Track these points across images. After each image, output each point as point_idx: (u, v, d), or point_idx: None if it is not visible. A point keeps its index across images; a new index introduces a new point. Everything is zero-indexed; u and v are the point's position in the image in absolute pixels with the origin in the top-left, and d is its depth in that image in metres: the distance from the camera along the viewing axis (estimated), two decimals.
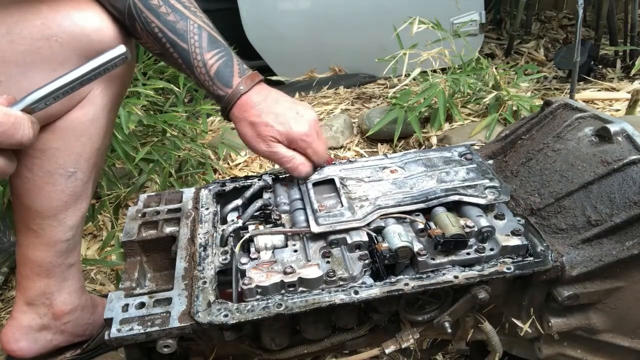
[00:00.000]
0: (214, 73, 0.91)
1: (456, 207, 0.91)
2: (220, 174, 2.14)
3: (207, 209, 0.99)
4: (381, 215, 0.89)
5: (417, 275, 0.82)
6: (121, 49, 0.73)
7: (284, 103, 0.95)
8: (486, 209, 0.90)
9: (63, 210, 1.03)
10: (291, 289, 0.80)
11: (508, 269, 0.82)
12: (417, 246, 0.83)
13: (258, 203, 0.93)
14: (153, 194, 1.06)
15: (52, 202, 1.01)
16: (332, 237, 0.86)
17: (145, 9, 0.90)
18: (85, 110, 0.97)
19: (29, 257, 1.06)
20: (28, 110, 0.70)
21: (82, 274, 1.20)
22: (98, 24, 0.90)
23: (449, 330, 0.87)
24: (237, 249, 0.85)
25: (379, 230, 0.87)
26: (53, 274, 1.08)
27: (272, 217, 0.92)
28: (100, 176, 1.41)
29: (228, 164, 2.22)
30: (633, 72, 2.50)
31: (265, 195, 0.99)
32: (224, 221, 0.96)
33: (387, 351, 0.89)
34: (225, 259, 0.87)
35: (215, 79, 0.92)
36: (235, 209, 0.97)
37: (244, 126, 0.95)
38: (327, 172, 1.00)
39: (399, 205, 0.90)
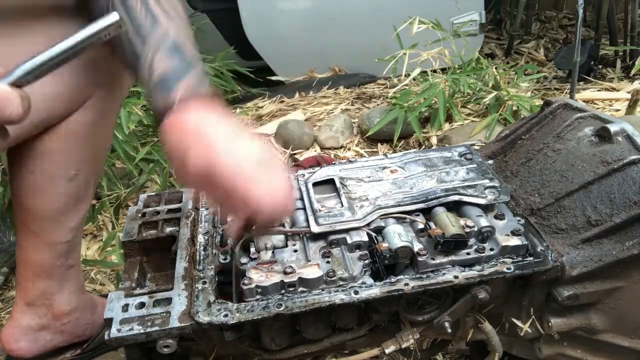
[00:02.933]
0: (158, 75, 0.75)
1: (456, 207, 0.91)
2: None
3: (207, 209, 0.99)
4: (381, 215, 0.89)
5: (417, 275, 0.82)
6: (114, 16, 0.66)
7: (223, 129, 0.72)
8: (486, 209, 0.90)
9: (64, 212, 1.03)
10: (291, 289, 0.80)
11: (508, 269, 0.82)
12: (417, 246, 0.83)
13: None
14: (153, 194, 1.06)
15: (53, 204, 1.01)
16: (332, 237, 0.86)
17: (120, 6, 0.78)
18: (87, 112, 0.96)
19: (29, 258, 1.06)
20: (18, 83, 0.63)
21: (82, 274, 1.20)
22: None
23: (449, 330, 0.87)
24: (237, 249, 0.85)
25: (379, 230, 0.87)
26: (53, 274, 1.08)
27: None
28: (100, 177, 1.41)
29: None
30: (633, 72, 2.50)
31: None
32: (224, 221, 0.96)
33: (387, 351, 0.89)
34: (225, 259, 0.87)
35: (154, 80, 0.75)
36: None
37: (169, 148, 0.74)
38: (327, 172, 1.00)
39: (399, 205, 0.90)
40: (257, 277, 0.80)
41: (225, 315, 0.76)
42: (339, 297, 0.78)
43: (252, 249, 0.86)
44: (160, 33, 0.77)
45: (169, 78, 0.74)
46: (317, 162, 1.28)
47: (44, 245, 1.04)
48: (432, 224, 0.86)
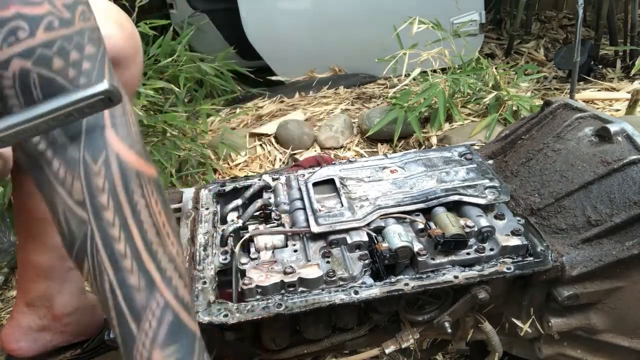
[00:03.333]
0: None
1: (456, 207, 0.91)
2: (220, 174, 2.14)
3: (207, 209, 0.99)
4: (381, 215, 0.89)
5: (417, 275, 0.82)
6: (102, 85, 0.52)
7: None
8: (486, 209, 0.90)
9: None
10: (291, 289, 0.80)
11: (508, 269, 0.82)
12: (417, 246, 0.83)
13: (258, 203, 0.93)
14: None
15: None
16: (332, 237, 0.86)
17: (103, 252, 0.60)
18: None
19: (30, 260, 1.06)
20: None
21: None
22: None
23: (449, 330, 0.87)
24: (237, 249, 0.85)
25: (379, 230, 0.87)
26: (53, 276, 1.08)
27: (272, 217, 0.92)
28: None
29: (228, 164, 2.22)
30: (633, 72, 2.49)
31: (265, 195, 0.99)
32: (223, 221, 0.96)
33: (387, 351, 0.89)
34: (225, 259, 0.87)
35: None
36: (235, 209, 0.97)
37: None
38: (327, 172, 1.00)
39: (399, 205, 0.90)
40: (257, 277, 0.80)
41: (225, 315, 0.76)
42: (339, 297, 0.78)
43: (252, 249, 0.86)
44: (159, 306, 0.61)
45: None
46: (317, 162, 1.28)
47: (45, 247, 1.04)
48: (432, 224, 0.86)
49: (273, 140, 2.33)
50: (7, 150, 0.59)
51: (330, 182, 0.98)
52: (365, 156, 2.16)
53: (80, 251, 0.61)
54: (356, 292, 0.79)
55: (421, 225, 0.87)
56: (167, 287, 0.62)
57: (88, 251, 0.60)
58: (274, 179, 1.03)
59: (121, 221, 0.59)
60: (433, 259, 0.83)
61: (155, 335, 0.60)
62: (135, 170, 0.60)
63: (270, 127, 2.38)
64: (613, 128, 0.89)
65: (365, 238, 0.85)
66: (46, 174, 0.60)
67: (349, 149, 2.30)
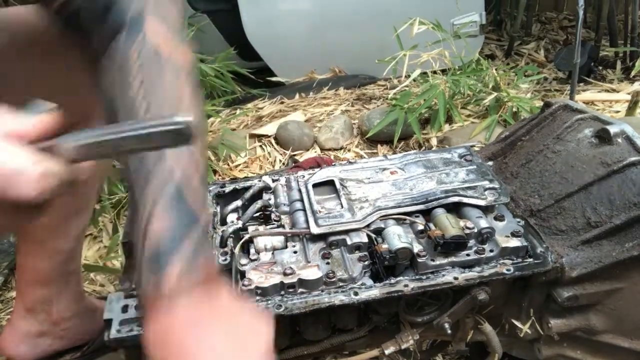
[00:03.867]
0: (151, 243, 0.59)
1: (456, 209, 0.91)
2: (220, 175, 2.14)
3: None
4: (381, 217, 0.89)
5: (417, 277, 0.82)
6: (186, 116, 0.47)
7: (211, 343, 0.58)
8: (486, 210, 0.90)
9: (64, 222, 1.02)
10: (291, 290, 0.80)
11: (508, 270, 0.82)
12: (416, 247, 0.83)
13: (258, 204, 0.93)
14: None
15: (54, 215, 1.00)
16: (332, 238, 0.86)
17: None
18: (87, 124, 0.95)
19: (29, 265, 1.05)
20: (64, 152, 0.50)
21: (82, 279, 1.19)
22: None
23: (449, 332, 0.87)
24: (236, 250, 0.85)
25: (379, 232, 0.87)
26: (53, 281, 1.08)
27: (272, 218, 0.92)
28: (102, 184, 1.40)
29: (228, 165, 2.22)
30: (633, 73, 2.50)
31: (265, 196, 0.99)
32: (223, 222, 0.96)
33: (386, 352, 0.89)
34: (225, 260, 0.86)
35: (147, 249, 0.58)
36: (235, 210, 0.97)
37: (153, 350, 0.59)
38: (327, 174, 1.00)
39: (399, 207, 0.90)
40: (257, 278, 0.80)
41: None
42: (339, 298, 0.78)
43: (252, 250, 0.86)
44: (164, 173, 0.62)
45: (164, 249, 0.59)
46: (317, 163, 1.28)
47: (45, 253, 1.04)
48: (432, 225, 0.86)
49: (273, 142, 2.33)
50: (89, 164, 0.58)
51: (330, 183, 0.98)
52: (365, 157, 2.16)
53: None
54: (356, 293, 0.79)
55: (421, 227, 0.87)
56: (175, 160, 0.62)
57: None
58: (273, 180, 1.03)
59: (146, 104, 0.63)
60: (433, 260, 0.83)
61: (157, 200, 0.60)
62: (166, 56, 0.65)
63: (270, 128, 2.38)
64: (613, 129, 0.89)
65: (365, 239, 0.86)
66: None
67: (349, 150, 2.30)
